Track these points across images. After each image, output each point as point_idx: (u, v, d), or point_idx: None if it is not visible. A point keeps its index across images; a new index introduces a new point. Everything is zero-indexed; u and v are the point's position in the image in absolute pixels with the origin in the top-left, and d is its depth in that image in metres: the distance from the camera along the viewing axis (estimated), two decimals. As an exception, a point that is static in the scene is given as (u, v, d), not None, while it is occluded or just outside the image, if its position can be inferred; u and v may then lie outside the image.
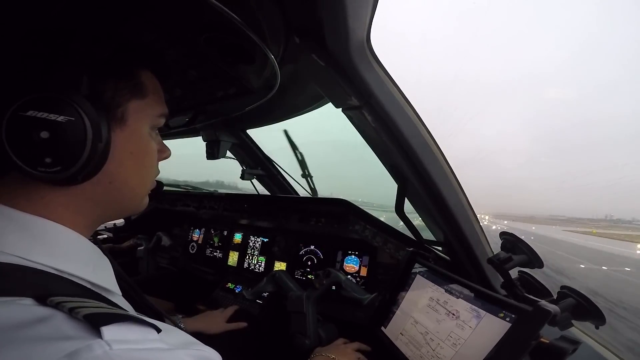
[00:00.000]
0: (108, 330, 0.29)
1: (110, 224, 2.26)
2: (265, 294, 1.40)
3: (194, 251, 1.93)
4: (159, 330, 0.34)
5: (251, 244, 1.70)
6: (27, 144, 0.35)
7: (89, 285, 0.40)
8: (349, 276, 1.35)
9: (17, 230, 0.37)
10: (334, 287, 1.08)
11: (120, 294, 0.47)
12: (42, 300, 0.31)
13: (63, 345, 0.27)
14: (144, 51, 0.52)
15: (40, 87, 0.36)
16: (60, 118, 0.36)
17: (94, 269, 0.42)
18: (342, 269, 1.37)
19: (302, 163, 1.57)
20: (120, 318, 0.31)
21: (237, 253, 1.72)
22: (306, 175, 1.58)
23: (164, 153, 0.54)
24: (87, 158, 0.38)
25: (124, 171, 0.44)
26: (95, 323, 0.29)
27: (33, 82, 0.37)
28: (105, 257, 0.47)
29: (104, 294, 0.42)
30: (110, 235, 2.14)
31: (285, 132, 1.50)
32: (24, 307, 0.30)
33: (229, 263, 1.74)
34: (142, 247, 1.83)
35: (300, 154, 1.55)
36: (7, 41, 0.41)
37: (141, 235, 1.90)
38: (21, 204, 0.38)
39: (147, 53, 0.53)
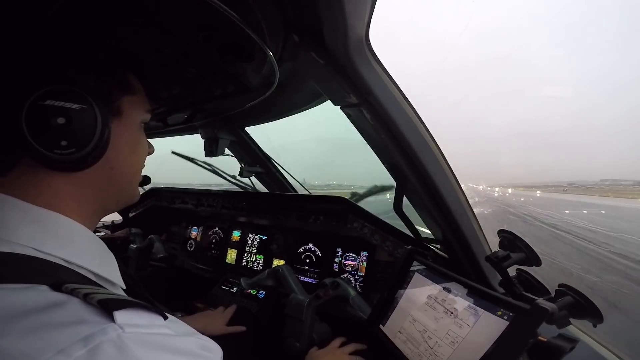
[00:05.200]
0: (120, 315, 0.31)
1: (107, 221, 2.25)
2: (262, 293, 1.40)
3: (192, 248, 1.93)
4: (165, 318, 0.36)
5: (250, 241, 1.70)
6: (46, 129, 0.39)
7: (93, 277, 0.42)
8: (350, 273, 1.35)
9: (31, 223, 0.40)
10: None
11: (124, 287, 0.50)
12: (57, 287, 0.33)
13: (79, 329, 0.28)
14: (127, 55, 0.58)
15: (54, 81, 0.41)
16: (75, 106, 0.40)
17: (100, 261, 0.45)
18: (340, 267, 1.38)
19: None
20: (131, 304, 0.33)
21: (236, 251, 1.73)
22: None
23: (149, 148, 0.59)
24: (97, 141, 0.42)
25: (122, 158, 0.49)
26: (108, 308, 0.31)
27: (47, 77, 0.41)
28: (110, 252, 0.50)
29: (106, 286, 0.44)
30: (108, 232, 2.13)
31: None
32: (42, 293, 0.32)
33: (227, 261, 1.74)
34: (135, 247, 1.68)
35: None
36: (19, 41, 0.44)
37: (135, 230, 1.75)
38: (31, 194, 0.41)
39: (130, 57, 0.60)
